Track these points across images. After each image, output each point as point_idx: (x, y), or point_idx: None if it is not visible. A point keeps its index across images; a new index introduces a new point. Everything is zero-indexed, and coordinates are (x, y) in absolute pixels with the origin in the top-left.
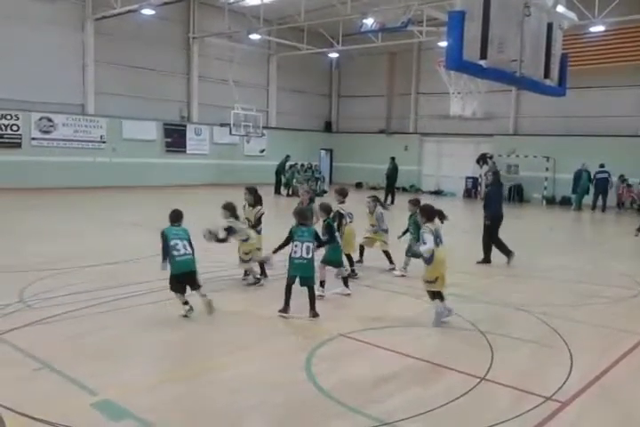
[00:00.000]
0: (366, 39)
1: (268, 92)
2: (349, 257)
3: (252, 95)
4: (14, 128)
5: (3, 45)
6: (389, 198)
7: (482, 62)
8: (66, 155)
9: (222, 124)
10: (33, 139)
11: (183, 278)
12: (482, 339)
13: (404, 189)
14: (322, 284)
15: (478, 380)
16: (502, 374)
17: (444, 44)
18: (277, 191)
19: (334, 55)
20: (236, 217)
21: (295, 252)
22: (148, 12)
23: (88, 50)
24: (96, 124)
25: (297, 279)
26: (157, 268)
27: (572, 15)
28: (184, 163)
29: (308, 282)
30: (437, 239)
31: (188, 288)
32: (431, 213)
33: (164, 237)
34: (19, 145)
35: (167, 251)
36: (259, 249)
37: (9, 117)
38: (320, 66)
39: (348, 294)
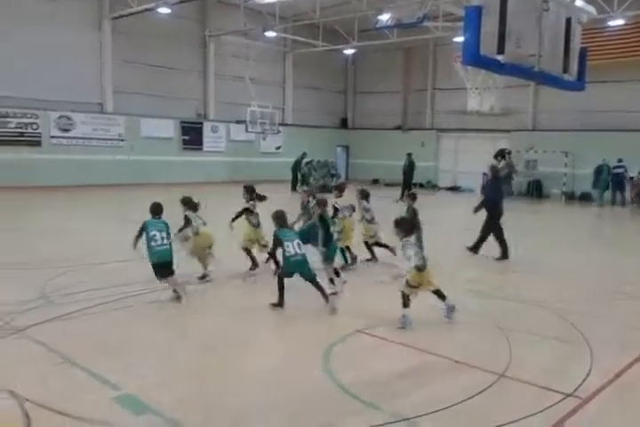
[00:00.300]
0: (382, 35)
1: (284, 89)
2: (348, 249)
3: (268, 92)
4: (34, 127)
5: (21, 45)
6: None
7: (499, 57)
8: (85, 153)
9: (238, 122)
10: (52, 137)
11: (162, 267)
12: (500, 335)
13: (421, 186)
14: (331, 281)
15: (497, 376)
16: (522, 371)
17: (460, 39)
18: (294, 188)
19: (350, 52)
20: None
21: (289, 251)
22: (164, 10)
23: (105, 49)
24: (114, 122)
25: (298, 276)
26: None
27: (590, 9)
28: (201, 160)
29: (309, 275)
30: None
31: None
32: (410, 227)
33: (144, 228)
34: (38, 143)
35: (140, 237)
36: (264, 245)
37: (29, 116)
38: (336, 62)
39: (335, 293)
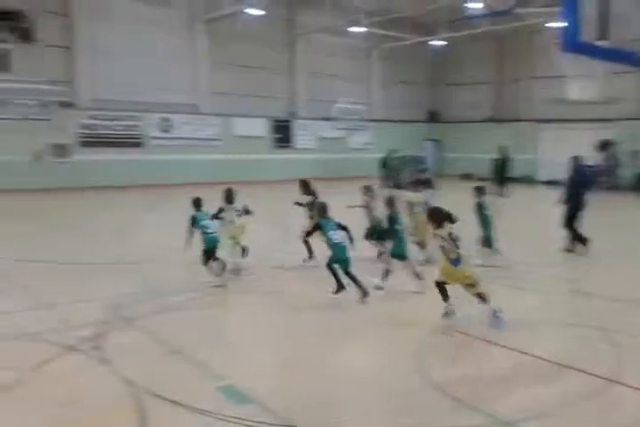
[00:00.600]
0: (472, 25)
1: (372, 85)
2: (422, 245)
3: (356, 88)
4: (137, 129)
5: (123, 50)
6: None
7: (601, 43)
8: (182, 153)
9: (327, 119)
10: (153, 138)
11: (213, 252)
12: (605, 337)
13: (517, 180)
14: (417, 276)
15: (604, 381)
16: (631, 376)
17: (557, 25)
18: (383, 184)
19: (439, 43)
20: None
21: (336, 238)
22: (254, 11)
23: (201, 51)
24: (210, 122)
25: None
26: (271, 260)
27: None
28: (292, 158)
29: (348, 265)
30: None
31: None
32: (441, 218)
33: (195, 220)
34: (140, 144)
35: (193, 232)
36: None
37: (132, 119)
38: (424, 55)
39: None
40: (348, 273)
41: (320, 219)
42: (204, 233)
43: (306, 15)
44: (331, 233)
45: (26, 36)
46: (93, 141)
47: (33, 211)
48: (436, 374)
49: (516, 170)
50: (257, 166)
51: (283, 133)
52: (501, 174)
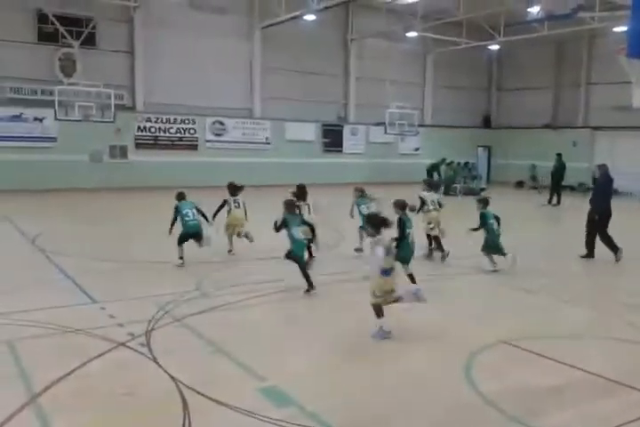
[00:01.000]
0: (531, 29)
1: (424, 90)
2: (437, 239)
3: (408, 93)
4: (191, 132)
5: (181, 56)
6: (555, 198)
7: None
8: (235, 156)
9: (377, 124)
10: (207, 141)
11: (190, 237)
12: None
13: (572, 188)
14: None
15: None
16: None
17: (622, 29)
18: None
19: (495, 47)
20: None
21: (297, 235)
22: (309, 17)
23: (255, 57)
24: (262, 126)
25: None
26: (318, 263)
27: None
28: (341, 162)
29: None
30: (392, 251)
31: None
32: (378, 222)
33: (178, 209)
34: (195, 147)
35: (176, 219)
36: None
37: (187, 122)
38: (479, 59)
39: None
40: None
41: (287, 214)
42: (184, 220)
43: (360, 20)
44: (294, 229)
45: (90, 41)
46: (150, 144)
47: (91, 210)
48: (484, 386)
49: (571, 178)
50: (306, 170)
51: (333, 138)
52: (556, 182)
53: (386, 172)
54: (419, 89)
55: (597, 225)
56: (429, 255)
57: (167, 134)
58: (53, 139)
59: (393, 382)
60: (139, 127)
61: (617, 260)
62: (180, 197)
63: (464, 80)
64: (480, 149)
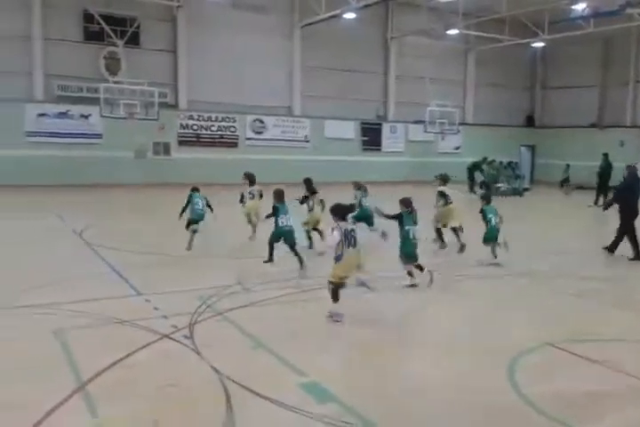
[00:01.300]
0: (576, 26)
1: (465, 88)
2: (455, 230)
3: (448, 91)
4: (232, 129)
5: (222, 54)
6: (601, 199)
7: None
8: (274, 153)
9: (417, 122)
10: (247, 139)
11: (196, 222)
12: None
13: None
14: (409, 273)
15: None
16: None
17: None
18: (471, 189)
19: (539, 45)
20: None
21: (282, 222)
22: (349, 15)
23: (295, 56)
24: (301, 124)
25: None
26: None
27: None
28: (379, 160)
29: (294, 243)
30: (351, 240)
31: None
32: (343, 211)
33: (190, 198)
34: (235, 145)
35: (186, 207)
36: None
37: (228, 120)
38: (522, 57)
39: (415, 285)
40: (294, 250)
41: (277, 204)
42: (194, 208)
43: (400, 18)
44: (281, 217)
45: (134, 40)
46: (192, 141)
47: (135, 205)
48: (528, 389)
49: (618, 178)
50: (345, 168)
51: (372, 136)
52: (603, 183)
53: (425, 170)
54: (459, 87)
55: (622, 224)
56: (443, 247)
57: (208, 132)
58: (99, 135)
59: (435, 383)
60: (181, 125)
61: (632, 259)
62: (195, 189)
63: (506, 78)
64: (523, 148)
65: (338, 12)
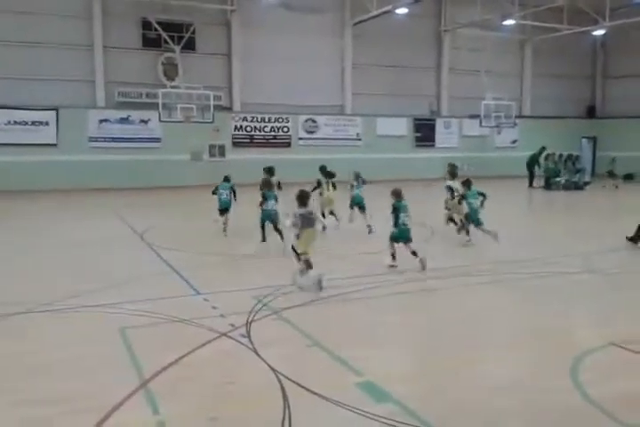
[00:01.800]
0: (638, 11)
1: (522, 80)
2: (461, 221)
3: (504, 84)
4: (285, 130)
5: (275, 56)
6: None
7: None
8: (327, 152)
9: (472, 116)
10: (300, 138)
11: (223, 210)
12: None
13: None
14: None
15: None
16: None
17: None
18: (531, 184)
19: (599, 33)
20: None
21: (267, 206)
22: (401, 11)
23: (346, 54)
24: (353, 122)
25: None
26: (411, 258)
27: None
28: (433, 157)
29: (276, 223)
30: (308, 222)
31: None
32: (305, 197)
33: (217, 188)
34: (289, 144)
35: (214, 194)
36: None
37: (281, 120)
38: (582, 46)
39: (395, 266)
40: (277, 229)
41: (265, 191)
42: (219, 197)
43: (454, 10)
44: (269, 202)
45: (190, 45)
46: (245, 142)
47: (193, 206)
48: (593, 390)
49: None
50: (398, 165)
51: (425, 132)
52: None
53: (481, 166)
54: (516, 79)
55: None
56: (460, 230)
57: (262, 133)
58: (158, 139)
59: (498, 383)
60: (235, 127)
61: None
62: (226, 178)
63: (565, 68)
64: (584, 140)
65: (389, 7)
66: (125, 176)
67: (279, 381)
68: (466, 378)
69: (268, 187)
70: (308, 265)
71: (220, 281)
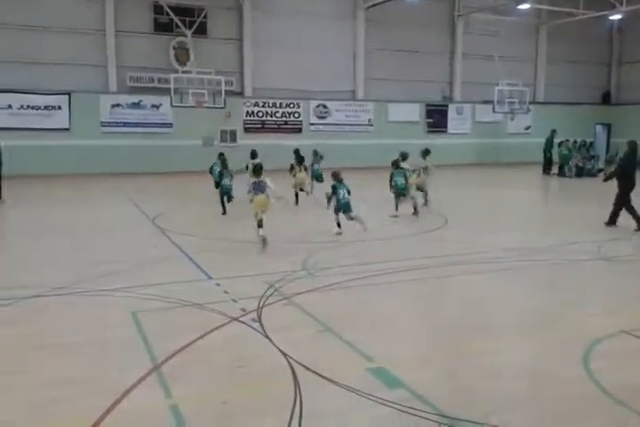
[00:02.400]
0: None
1: (536, 65)
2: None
3: (518, 69)
4: (296, 115)
5: (287, 41)
6: None
7: None
8: (338, 138)
9: (485, 102)
10: (311, 124)
11: (225, 194)
12: None
13: None
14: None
15: None
16: None
17: None
18: (546, 171)
19: (616, 17)
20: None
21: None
22: None
23: (358, 38)
24: (364, 108)
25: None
26: (421, 245)
27: None
28: (445, 143)
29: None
30: (259, 189)
31: None
32: (260, 169)
33: (219, 173)
34: (299, 130)
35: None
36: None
37: (292, 106)
38: (597, 31)
39: (340, 233)
40: (230, 200)
41: (223, 170)
42: (222, 183)
43: None
44: (225, 179)
45: (201, 30)
46: (257, 127)
47: (204, 191)
48: (605, 378)
49: None
50: (410, 151)
51: (437, 118)
52: None
53: (494, 152)
54: (530, 64)
55: (620, 195)
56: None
57: (273, 118)
58: (169, 124)
59: (510, 369)
60: (247, 112)
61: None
62: (224, 165)
63: (581, 54)
64: (599, 126)
65: None
66: (137, 161)
67: (290, 365)
68: (476, 365)
69: (224, 166)
70: (259, 224)
71: (231, 266)
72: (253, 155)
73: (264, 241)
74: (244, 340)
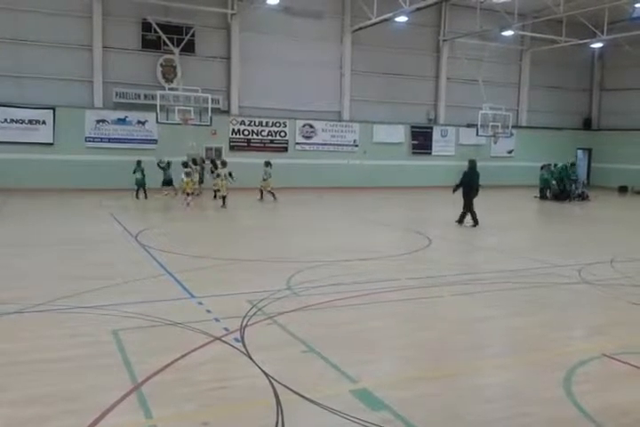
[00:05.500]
0: (636, 26)
1: (520, 90)
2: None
3: (502, 94)
4: (282, 134)
5: (274, 61)
6: None
7: None
8: (323, 158)
9: (469, 125)
10: (297, 143)
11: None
12: None
13: None
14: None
15: None
16: None
17: None
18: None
19: (597, 46)
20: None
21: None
22: (401, 19)
23: (345, 60)
24: (350, 129)
25: None
26: (405, 266)
27: None
28: (429, 164)
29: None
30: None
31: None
32: (217, 163)
33: (134, 170)
34: (285, 149)
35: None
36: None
37: (278, 125)
38: (579, 58)
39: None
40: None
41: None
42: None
43: (454, 20)
44: (137, 173)
45: (189, 48)
46: (243, 146)
47: (189, 209)
48: (586, 402)
49: None
50: (394, 172)
51: (422, 140)
52: None
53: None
54: (514, 89)
55: (465, 200)
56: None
57: (259, 137)
58: (154, 141)
59: (488, 395)
60: (233, 130)
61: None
62: (185, 164)
63: (563, 80)
64: (580, 151)
65: (390, 15)
66: (121, 177)
67: (272, 386)
68: (459, 387)
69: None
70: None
71: (214, 284)
72: (214, 163)
73: (187, 205)
74: (226, 360)
